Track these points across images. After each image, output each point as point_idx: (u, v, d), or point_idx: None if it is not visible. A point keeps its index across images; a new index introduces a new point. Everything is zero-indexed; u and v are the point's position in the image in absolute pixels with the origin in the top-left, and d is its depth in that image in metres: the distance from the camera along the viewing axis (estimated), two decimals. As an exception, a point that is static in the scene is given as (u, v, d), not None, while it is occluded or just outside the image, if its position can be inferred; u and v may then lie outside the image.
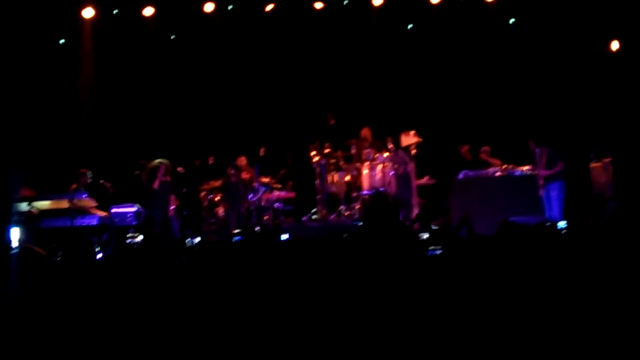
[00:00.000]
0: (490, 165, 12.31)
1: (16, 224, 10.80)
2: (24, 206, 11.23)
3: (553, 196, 11.26)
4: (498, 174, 12.01)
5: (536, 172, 11.64)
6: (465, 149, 12.93)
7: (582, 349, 3.55)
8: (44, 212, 11.58)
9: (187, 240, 7.77)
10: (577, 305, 3.74)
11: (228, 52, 15.22)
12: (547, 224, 8.65)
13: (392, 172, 12.59)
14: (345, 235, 6.75)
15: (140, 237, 10.48)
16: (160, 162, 12.39)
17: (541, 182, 11.41)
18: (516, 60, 14.17)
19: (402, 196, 12.11)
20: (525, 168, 11.92)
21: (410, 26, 14.91)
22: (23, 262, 5.89)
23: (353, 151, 13.31)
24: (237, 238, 7.51)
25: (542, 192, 11.45)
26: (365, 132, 13.47)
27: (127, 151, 14.28)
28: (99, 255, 9.36)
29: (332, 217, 13.13)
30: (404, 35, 14.86)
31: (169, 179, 12.44)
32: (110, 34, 14.74)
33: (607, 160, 12.19)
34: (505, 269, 4.03)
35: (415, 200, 12.21)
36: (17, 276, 5.14)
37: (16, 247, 10.17)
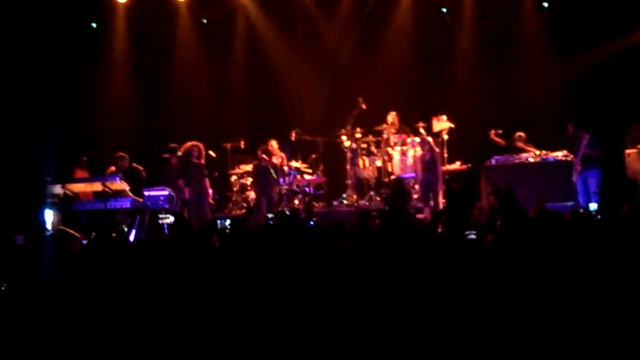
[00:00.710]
0: (524, 151, 12.19)
1: (50, 206, 10.94)
2: (58, 189, 11.34)
3: (591, 183, 11.21)
4: (531, 159, 11.91)
5: (570, 157, 11.55)
6: (493, 133, 12.72)
7: (618, 334, 3.52)
8: (77, 195, 11.70)
9: (219, 221, 7.81)
10: (614, 290, 3.71)
11: (259, 36, 15.23)
12: (581, 210, 8.57)
13: (419, 157, 12.54)
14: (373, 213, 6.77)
15: (171, 219, 10.56)
16: (192, 145, 12.45)
17: (579, 168, 11.32)
18: (550, 44, 13.97)
19: (427, 181, 12.06)
20: (559, 154, 11.81)
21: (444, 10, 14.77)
22: (57, 243, 5.95)
23: (384, 136, 13.27)
24: (268, 222, 7.55)
25: (576, 178, 11.36)
26: (392, 118, 13.41)
27: (159, 134, 14.37)
28: (132, 237, 9.48)
29: (363, 201, 13.11)
30: (437, 18, 14.71)
31: (202, 161, 12.49)
32: (142, 18, 14.86)
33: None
34: (541, 255, 4.00)
35: (440, 186, 12.13)
36: (51, 257, 5.19)
37: (50, 229, 10.35)
